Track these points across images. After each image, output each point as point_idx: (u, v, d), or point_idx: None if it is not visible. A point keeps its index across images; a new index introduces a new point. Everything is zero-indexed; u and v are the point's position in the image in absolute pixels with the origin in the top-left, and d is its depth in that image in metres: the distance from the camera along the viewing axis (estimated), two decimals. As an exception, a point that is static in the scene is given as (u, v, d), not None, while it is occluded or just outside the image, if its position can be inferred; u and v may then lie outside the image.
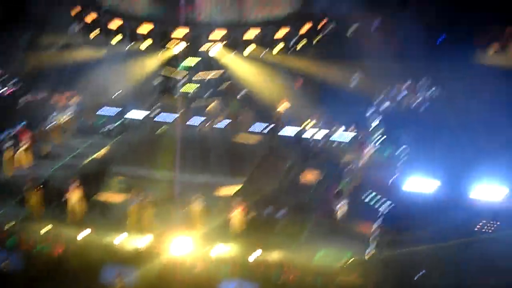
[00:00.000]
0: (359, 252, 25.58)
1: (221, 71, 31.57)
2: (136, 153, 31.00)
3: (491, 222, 27.64)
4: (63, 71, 36.98)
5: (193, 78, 30.85)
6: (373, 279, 24.16)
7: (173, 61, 31.12)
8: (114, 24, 29.61)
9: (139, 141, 32.35)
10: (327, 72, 36.52)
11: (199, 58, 30.62)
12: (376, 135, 33.34)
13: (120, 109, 36.69)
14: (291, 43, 30.56)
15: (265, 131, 34.60)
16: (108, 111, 36.58)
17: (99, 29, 30.03)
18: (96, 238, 25.83)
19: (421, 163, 31.75)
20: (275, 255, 25.25)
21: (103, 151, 31.88)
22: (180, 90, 31.29)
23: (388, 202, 28.89)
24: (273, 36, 30.01)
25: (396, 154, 33.43)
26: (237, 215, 26.23)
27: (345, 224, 27.03)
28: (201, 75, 31.06)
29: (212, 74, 31.48)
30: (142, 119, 36.06)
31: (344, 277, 24.09)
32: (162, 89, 31.79)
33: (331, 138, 34.84)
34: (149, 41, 29.78)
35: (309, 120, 34.78)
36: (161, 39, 30.15)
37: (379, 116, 34.60)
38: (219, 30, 29.77)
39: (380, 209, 28.48)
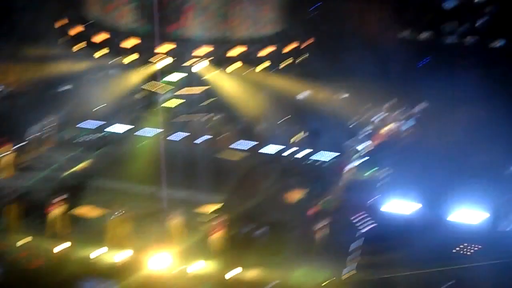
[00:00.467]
0: (337, 272, 25.56)
1: (205, 87, 31.57)
2: (117, 167, 30.86)
3: (470, 245, 27.75)
4: (46, 83, 36.88)
5: (177, 94, 30.80)
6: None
7: (157, 76, 31.11)
8: (99, 37, 29.59)
9: (120, 155, 32.22)
10: (310, 91, 36.63)
11: (184, 74, 30.63)
12: (357, 155, 33.43)
13: (102, 122, 36.66)
14: (276, 61, 30.63)
15: (247, 148, 34.73)
16: (90, 124, 36.54)
17: (83, 42, 29.95)
18: (74, 252, 25.67)
19: (401, 185, 31.86)
20: (253, 273, 25.18)
21: (83, 164, 31.72)
22: (163, 105, 31.29)
23: (368, 223, 28.96)
24: (258, 54, 30.07)
25: (376, 175, 33.58)
26: (216, 232, 26.13)
27: (325, 243, 26.99)
28: (184, 91, 31.05)
29: (195, 90, 31.47)
30: (124, 133, 36.03)
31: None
32: (145, 103, 31.71)
33: (312, 157, 34.99)
34: (134, 56, 29.76)
35: (291, 138, 34.91)
36: (145, 54, 30.12)
37: (361, 137, 34.73)
38: (204, 47, 29.83)
39: (359, 229, 28.52)
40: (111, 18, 30.73)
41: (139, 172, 29.65)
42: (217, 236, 26.16)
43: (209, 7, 30.28)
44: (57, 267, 25.40)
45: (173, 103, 31.16)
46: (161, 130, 34.32)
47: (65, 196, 26.87)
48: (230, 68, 30.75)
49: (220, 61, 30.33)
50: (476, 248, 27.55)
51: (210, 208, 28.09)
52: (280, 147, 34.88)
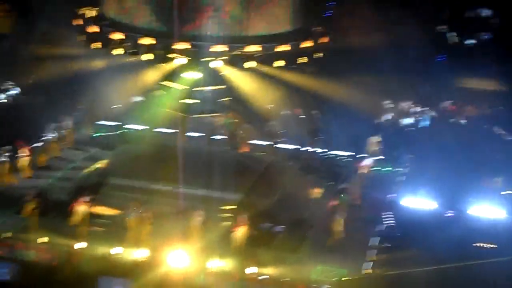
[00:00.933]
0: (355, 269, 25.53)
1: (222, 86, 31.60)
2: (136, 165, 30.94)
3: (489, 241, 27.65)
4: (64, 81, 37.08)
5: (193, 92, 30.84)
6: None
7: (173, 75, 31.15)
8: (116, 36, 29.65)
9: (138, 154, 32.30)
10: (327, 88, 36.63)
11: (200, 73, 30.65)
12: (375, 152, 33.41)
13: (120, 121, 36.84)
14: (292, 59, 30.60)
15: (265, 145, 34.84)
16: (108, 122, 36.74)
17: (100, 40, 30.03)
18: (94, 250, 25.74)
19: (420, 180, 31.82)
20: (272, 270, 25.19)
21: (102, 163, 31.84)
22: (180, 103, 31.34)
23: (387, 219, 28.94)
24: (274, 51, 30.04)
25: (395, 171, 33.57)
26: (235, 230, 26.16)
27: (343, 240, 26.97)
28: (201, 89, 31.07)
29: (212, 89, 31.49)
30: (142, 131, 36.18)
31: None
32: (162, 102, 31.78)
33: (330, 153, 35.02)
34: (150, 55, 29.82)
35: (309, 135, 35.01)
36: (162, 52, 30.16)
37: (379, 133, 34.71)
38: (220, 45, 29.83)
39: (378, 226, 28.50)
40: (127, 17, 30.77)
41: (158, 170, 29.69)
42: (237, 233, 26.16)
43: (225, 6, 30.29)
44: (76, 264, 25.52)
45: (190, 101, 31.17)
46: (179, 128, 34.49)
47: (84, 194, 26.91)
48: (246, 66, 30.73)
49: (236, 59, 30.26)
50: (495, 244, 27.48)
51: (229, 205, 28.10)
52: (298, 143, 35.08)
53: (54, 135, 33.11)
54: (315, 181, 31.68)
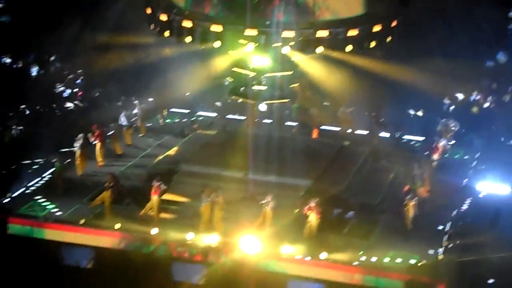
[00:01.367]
0: (428, 255, 25.31)
1: (291, 71, 31.52)
2: (207, 152, 31.19)
3: None
4: (135, 70, 37.55)
5: (262, 79, 30.84)
6: (444, 283, 23.81)
7: (243, 62, 31.23)
8: (186, 24, 29.81)
9: (209, 141, 32.55)
10: (397, 73, 36.26)
11: (268, 59, 30.63)
12: (448, 136, 32.98)
13: (191, 109, 37.20)
14: (361, 43, 30.32)
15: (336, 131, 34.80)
16: (179, 110, 37.15)
17: (171, 29, 30.24)
18: (168, 235, 26.07)
19: (493, 165, 31.35)
20: (344, 256, 25.15)
21: (174, 150, 32.17)
22: (250, 90, 31.40)
23: (460, 204, 28.60)
24: (344, 37, 29.80)
25: (468, 156, 33.11)
26: (307, 215, 26.17)
27: (415, 225, 26.74)
28: (270, 76, 31.05)
29: (281, 75, 31.45)
30: (212, 118, 36.46)
31: (415, 279, 23.81)
32: (232, 89, 31.89)
33: (403, 138, 34.73)
34: (218, 42, 29.91)
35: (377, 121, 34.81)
36: (231, 39, 30.22)
37: (451, 118, 34.26)
38: (288, 31, 29.75)
39: (451, 211, 28.17)
40: (197, 5, 30.90)
41: (229, 157, 29.85)
42: (309, 219, 26.16)
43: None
44: (151, 250, 25.91)
45: (259, 88, 31.21)
46: (249, 114, 34.61)
47: (158, 181, 27.23)
48: (316, 52, 30.58)
49: (305, 45, 30.12)
50: None
51: (301, 190, 28.10)
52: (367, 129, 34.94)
53: (126, 123, 33.55)
54: (388, 165, 31.53)
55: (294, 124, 35.18)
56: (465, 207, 28.60)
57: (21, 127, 34.10)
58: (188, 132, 34.30)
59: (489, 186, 29.76)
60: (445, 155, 32.33)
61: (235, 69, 31.45)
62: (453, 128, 33.51)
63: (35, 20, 39.50)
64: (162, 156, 31.62)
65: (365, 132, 34.94)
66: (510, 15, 43.75)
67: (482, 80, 38.92)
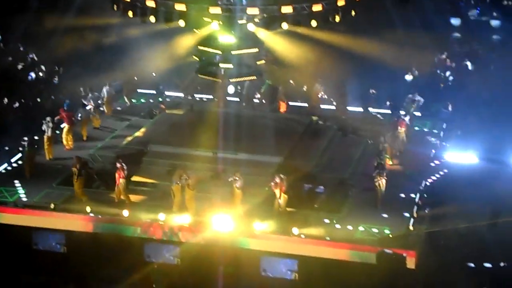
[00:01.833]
0: (398, 227, 25.53)
1: (256, 49, 31.51)
2: (175, 132, 31.11)
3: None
4: (100, 52, 37.25)
5: (228, 57, 30.80)
6: (416, 253, 24.12)
7: (208, 40, 31.14)
8: (149, 3, 29.64)
9: (178, 120, 32.45)
10: (361, 46, 36.39)
11: (233, 37, 30.57)
12: (414, 109, 33.22)
13: (158, 88, 37.05)
14: (326, 18, 30.37)
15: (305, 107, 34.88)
16: (146, 91, 37.00)
17: (134, 9, 30.06)
18: (139, 217, 26.03)
19: (460, 136, 31.67)
20: (315, 231, 25.31)
21: (142, 131, 32.03)
22: (216, 69, 31.37)
23: (428, 175, 28.87)
24: (308, 12, 29.83)
25: (435, 128, 33.41)
26: (277, 192, 26.27)
27: (385, 198, 26.97)
28: (236, 53, 31.01)
29: (247, 52, 31.41)
30: (180, 98, 36.34)
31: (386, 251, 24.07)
32: (199, 68, 31.82)
33: (369, 112, 34.92)
34: (182, 21, 29.77)
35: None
36: (194, 19, 30.09)
37: (416, 90, 34.48)
38: (252, 8, 29.71)
39: (419, 183, 28.44)
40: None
41: (197, 136, 29.82)
42: (278, 195, 26.28)
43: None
44: (123, 232, 25.89)
45: (225, 66, 31.16)
46: (215, 93, 34.59)
47: (120, 163, 27.10)
48: (280, 28, 30.59)
49: (270, 21, 30.11)
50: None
51: (270, 168, 28.16)
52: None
53: (92, 105, 33.32)
54: (355, 140, 31.72)
55: (262, 101, 35.20)
56: (433, 178, 28.89)
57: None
58: (156, 113, 34.17)
59: (457, 156, 30.07)
60: (412, 127, 32.63)
61: (201, 47, 31.39)
62: (418, 101, 33.72)
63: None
64: (131, 138, 31.45)
65: (333, 107, 35.11)
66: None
67: (440, 53, 39.28)
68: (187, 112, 33.34)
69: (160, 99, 35.59)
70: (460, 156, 30.00)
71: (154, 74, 37.85)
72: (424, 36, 37.84)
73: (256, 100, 35.12)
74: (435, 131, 33.15)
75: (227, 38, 30.59)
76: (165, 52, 36.43)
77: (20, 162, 29.66)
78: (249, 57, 31.51)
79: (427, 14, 39.30)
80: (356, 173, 29.01)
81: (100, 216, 26.16)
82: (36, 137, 29.89)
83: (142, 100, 36.54)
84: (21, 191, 27.86)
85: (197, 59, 31.87)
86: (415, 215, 26.15)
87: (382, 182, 26.83)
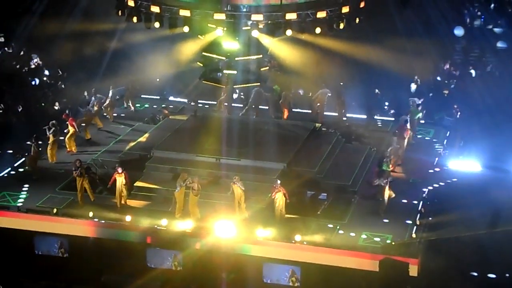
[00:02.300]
0: (400, 234, 25.51)
1: (260, 55, 31.53)
2: (179, 138, 31.10)
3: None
4: (105, 57, 37.27)
5: (232, 63, 30.81)
6: (418, 261, 24.06)
7: (212, 47, 31.16)
8: (154, 9, 29.68)
9: (181, 126, 32.44)
10: (366, 53, 36.39)
11: (237, 43, 30.59)
12: (417, 116, 33.17)
13: (162, 94, 37.09)
14: (330, 25, 30.38)
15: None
16: (149, 96, 37.03)
17: (138, 14, 30.10)
18: (142, 222, 26.03)
19: (464, 144, 31.64)
20: (318, 238, 25.28)
21: (145, 137, 32.02)
22: (220, 75, 31.36)
23: (432, 183, 28.82)
24: (313, 18, 29.84)
25: (438, 135, 33.37)
26: (279, 198, 26.24)
27: (388, 205, 26.92)
28: (240, 60, 31.03)
29: (251, 58, 31.43)
30: (184, 104, 36.36)
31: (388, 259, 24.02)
32: (203, 74, 31.83)
33: (372, 120, 34.91)
34: (187, 27, 29.80)
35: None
36: (199, 24, 30.11)
37: (420, 98, 34.45)
38: (257, 14, 29.72)
39: (422, 190, 28.40)
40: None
41: (201, 142, 29.83)
42: (280, 201, 26.25)
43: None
44: (126, 237, 25.86)
45: (230, 72, 31.18)
46: (220, 99, 34.59)
47: (129, 168, 27.13)
48: (284, 34, 30.61)
49: (274, 27, 30.12)
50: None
51: (273, 174, 28.11)
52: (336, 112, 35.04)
53: (95, 109, 33.37)
54: (358, 147, 31.70)
55: (267, 107, 35.18)
56: (436, 185, 28.85)
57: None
58: (159, 118, 34.19)
59: (459, 164, 30.05)
60: (415, 134, 32.62)
61: (205, 54, 31.41)
62: (420, 108, 33.64)
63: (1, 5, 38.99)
64: (134, 143, 31.46)
65: (335, 114, 35.08)
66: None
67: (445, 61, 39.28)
68: (190, 118, 33.34)
69: (163, 105, 35.61)
70: (463, 164, 29.98)
71: (158, 80, 37.94)
72: (428, 44, 37.85)
73: (261, 106, 35.10)
74: (436, 140, 33.16)
75: (231, 45, 30.58)
76: (169, 58, 36.50)
77: (22, 166, 29.77)
78: (253, 64, 31.48)
79: (430, 22, 39.27)
80: (359, 180, 28.97)
81: (103, 221, 26.20)
82: (39, 142, 29.91)
83: (146, 105, 36.60)
84: (23, 195, 27.91)
85: (201, 65, 31.85)
86: (417, 222, 26.13)
87: (387, 192, 26.76)
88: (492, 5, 42.12)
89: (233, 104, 33.67)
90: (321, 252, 24.65)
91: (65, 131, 31.33)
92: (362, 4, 30.91)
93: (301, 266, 24.76)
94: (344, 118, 34.78)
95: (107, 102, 34.26)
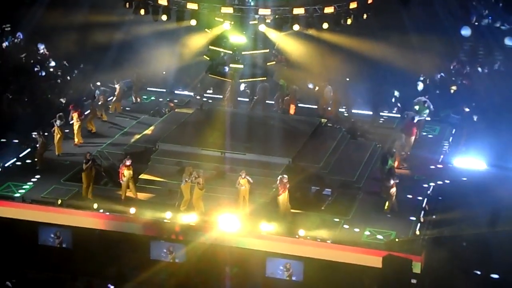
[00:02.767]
0: (404, 231, 25.51)
1: (267, 50, 31.50)
2: (184, 131, 31.10)
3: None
4: (111, 49, 37.28)
5: (239, 57, 30.80)
6: (422, 258, 24.06)
7: (219, 40, 31.15)
8: (162, 2, 29.68)
9: (187, 119, 32.44)
10: (372, 49, 36.32)
11: (244, 38, 30.56)
12: (423, 113, 33.09)
13: (168, 87, 37.10)
14: (338, 21, 30.33)
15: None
16: (156, 89, 37.04)
17: (146, 7, 30.10)
18: (146, 215, 26.06)
19: (470, 142, 31.58)
20: (322, 233, 25.27)
21: (151, 129, 32.03)
22: (226, 69, 31.35)
23: (437, 181, 28.80)
24: (320, 14, 29.81)
25: (444, 133, 33.32)
26: (284, 193, 26.25)
27: (393, 202, 26.91)
28: (247, 54, 31.01)
29: (257, 53, 31.41)
30: (190, 97, 36.36)
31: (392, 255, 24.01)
32: (209, 67, 31.81)
33: (378, 116, 34.85)
34: (194, 20, 29.79)
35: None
36: (205, 18, 30.09)
37: (426, 95, 34.40)
38: (264, 9, 29.69)
39: (428, 187, 28.38)
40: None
41: (207, 136, 29.84)
42: (284, 196, 26.26)
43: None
44: (130, 229, 25.89)
45: (236, 66, 31.15)
46: (226, 93, 34.57)
47: (134, 161, 27.13)
48: (291, 29, 30.59)
49: (281, 22, 30.08)
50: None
51: (278, 169, 28.10)
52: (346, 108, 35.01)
53: (101, 102, 33.42)
54: (364, 144, 31.66)
55: (273, 101, 35.15)
56: (441, 183, 28.82)
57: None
58: (165, 111, 34.20)
59: (465, 162, 30.01)
60: (421, 132, 32.58)
61: (212, 47, 31.39)
62: (426, 105, 33.58)
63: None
64: (140, 136, 31.47)
65: (342, 109, 35.08)
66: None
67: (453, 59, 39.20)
68: (196, 111, 33.34)
69: (168, 99, 35.59)
70: (468, 162, 29.95)
71: (164, 73, 37.94)
72: (435, 41, 37.77)
73: (267, 101, 35.06)
74: (444, 135, 33.10)
75: (238, 39, 30.55)
76: (175, 51, 36.47)
77: (28, 156, 29.81)
78: (260, 58, 31.46)
79: (438, 19, 39.17)
80: (364, 176, 28.94)
81: (107, 213, 26.25)
82: (45, 133, 29.95)
83: (152, 98, 36.61)
84: (28, 186, 27.96)
85: (208, 58, 31.83)
86: (422, 220, 26.12)
87: (390, 186, 26.70)
88: (501, 4, 42.07)
89: (238, 98, 33.67)
90: (324, 247, 24.66)
91: (71, 122, 31.33)
92: (370, 0, 30.85)
93: (304, 261, 24.77)
94: (346, 114, 34.72)
95: (115, 95, 34.28)
